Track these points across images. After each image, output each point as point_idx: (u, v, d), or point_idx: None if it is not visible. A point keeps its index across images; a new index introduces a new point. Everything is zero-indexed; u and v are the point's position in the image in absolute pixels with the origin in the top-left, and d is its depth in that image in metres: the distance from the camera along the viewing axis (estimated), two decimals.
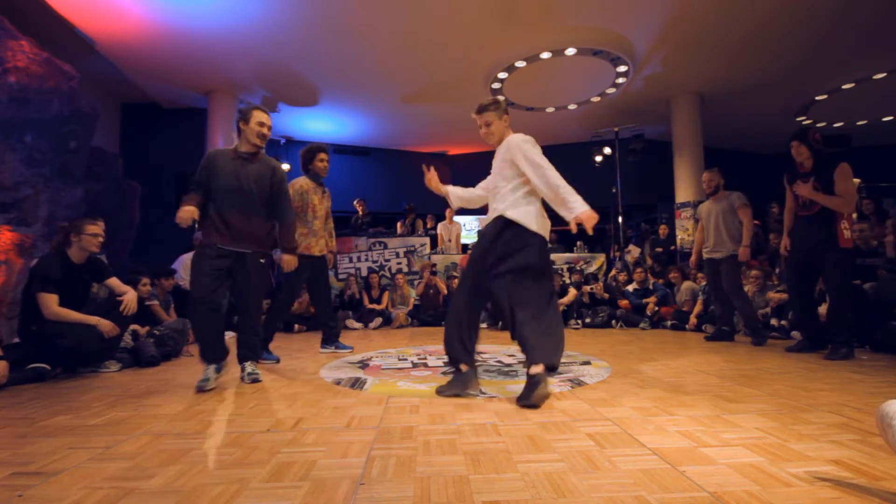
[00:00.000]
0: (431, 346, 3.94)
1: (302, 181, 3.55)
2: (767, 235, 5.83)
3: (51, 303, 2.75)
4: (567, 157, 10.85)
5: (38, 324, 2.75)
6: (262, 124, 2.59)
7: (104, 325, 2.85)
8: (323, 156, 3.60)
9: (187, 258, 5.23)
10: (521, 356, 3.28)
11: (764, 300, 4.60)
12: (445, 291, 6.35)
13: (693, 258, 4.42)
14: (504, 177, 2.24)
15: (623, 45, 6.27)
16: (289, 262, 2.77)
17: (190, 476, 1.24)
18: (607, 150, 9.03)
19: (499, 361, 3.10)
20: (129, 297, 3.01)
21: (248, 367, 2.57)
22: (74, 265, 2.91)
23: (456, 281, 6.48)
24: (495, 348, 3.77)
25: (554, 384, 2.34)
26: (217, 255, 2.47)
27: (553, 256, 7.45)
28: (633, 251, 7.57)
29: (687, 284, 5.39)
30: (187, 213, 2.36)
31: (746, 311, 3.97)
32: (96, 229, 2.95)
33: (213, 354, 2.45)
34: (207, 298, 2.41)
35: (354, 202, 8.07)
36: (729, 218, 4.02)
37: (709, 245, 4.14)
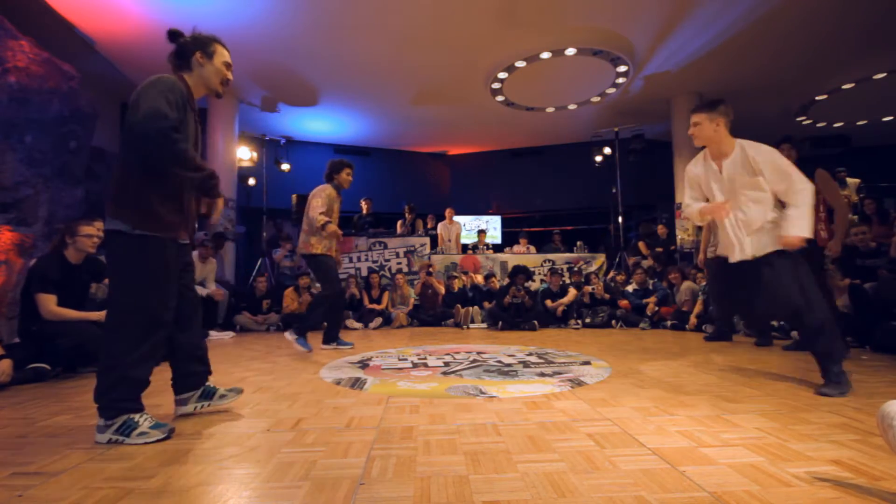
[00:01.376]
0: (431, 346, 3.94)
1: (329, 189, 3.76)
2: None
3: (49, 303, 2.75)
4: (567, 157, 10.93)
5: (39, 324, 2.76)
6: (228, 66, 1.89)
7: (104, 315, 2.85)
8: (350, 171, 3.85)
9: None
10: (522, 356, 3.29)
11: None
12: (443, 292, 6.34)
13: (700, 256, 4.40)
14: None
15: (623, 45, 6.27)
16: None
17: (190, 476, 1.24)
18: (607, 150, 9.02)
19: (499, 361, 3.10)
20: None
21: (221, 389, 1.92)
22: (72, 266, 2.92)
23: (456, 281, 6.47)
24: (495, 348, 3.77)
25: (554, 384, 2.34)
26: (177, 254, 1.75)
27: (553, 256, 7.46)
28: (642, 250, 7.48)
29: (687, 284, 5.39)
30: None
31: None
32: (91, 230, 2.93)
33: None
34: (170, 319, 1.71)
35: (361, 201, 8.12)
36: None
37: (717, 244, 4.10)
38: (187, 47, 1.81)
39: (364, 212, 8.00)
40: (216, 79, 1.85)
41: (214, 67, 1.83)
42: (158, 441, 1.54)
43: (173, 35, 1.81)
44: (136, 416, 1.57)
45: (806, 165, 3.38)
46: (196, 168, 1.62)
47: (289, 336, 3.61)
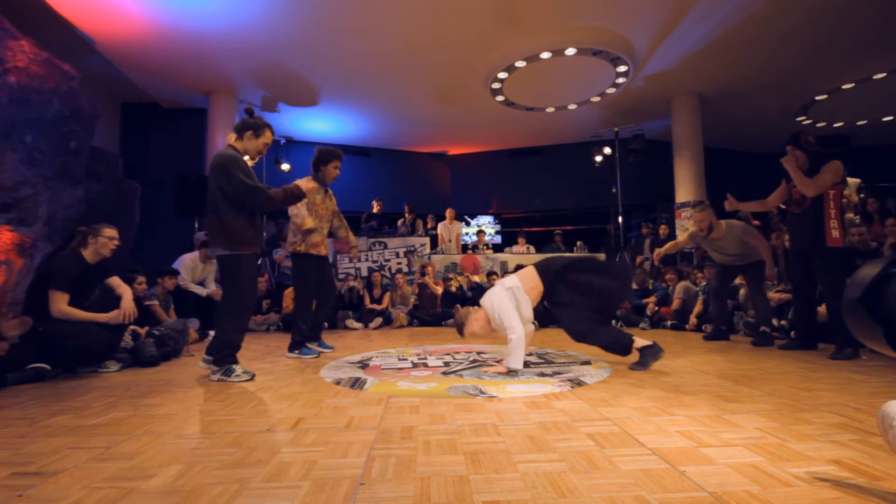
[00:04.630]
0: (431, 346, 3.94)
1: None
2: (768, 235, 5.83)
3: (61, 301, 2.76)
4: (567, 157, 10.93)
5: (45, 324, 2.76)
6: (266, 145, 2.80)
7: (112, 316, 2.87)
8: (338, 164, 3.54)
9: (188, 258, 5.23)
10: None
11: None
12: (441, 292, 6.32)
13: (658, 251, 4.22)
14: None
15: (623, 45, 6.27)
16: None
17: (190, 476, 1.24)
18: (607, 150, 9.02)
19: (499, 361, 3.10)
20: (126, 305, 2.92)
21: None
22: (88, 267, 2.97)
23: (453, 282, 6.46)
24: (495, 348, 3.77)
25: (554, 384, 2.34)
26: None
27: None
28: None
29: (682, 284, 5.39)
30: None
31: (767, 311, 3.98)
32: (113, 233, 3.04)
33: None
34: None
35: (374, 202, 8.31)
36: (741, 243, 3.92)
37: (726, 259, 4.06)
38: (247, 125, 2.73)
39: (375, 210, 8.13)
40: (254, 151, 2.77)
41: (258, 144, 2.76)
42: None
43: (247, 111, 2.94)
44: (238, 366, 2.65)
45: (817, 161, 3.31)
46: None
47: (288, 355, 3.45)
